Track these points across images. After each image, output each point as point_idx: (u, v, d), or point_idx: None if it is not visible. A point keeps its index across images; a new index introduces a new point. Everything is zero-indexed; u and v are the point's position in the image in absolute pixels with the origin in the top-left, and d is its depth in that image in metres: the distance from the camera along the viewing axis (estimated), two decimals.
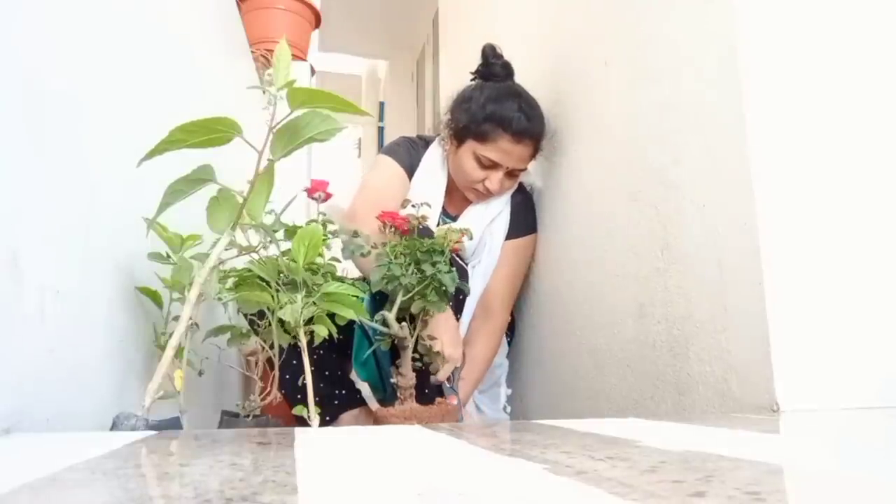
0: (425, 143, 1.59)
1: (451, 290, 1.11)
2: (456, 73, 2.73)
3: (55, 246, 0.72)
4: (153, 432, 0.69)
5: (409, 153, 1.55)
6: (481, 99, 1.43)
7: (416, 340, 1.15)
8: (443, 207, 1.54)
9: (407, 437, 0.63)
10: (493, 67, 1.51)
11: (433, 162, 1.54)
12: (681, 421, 0.76)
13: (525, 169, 1.47)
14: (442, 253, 1.12)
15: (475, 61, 1.56)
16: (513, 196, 1.54)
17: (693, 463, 0.43)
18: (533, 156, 1.46)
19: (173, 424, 0.80)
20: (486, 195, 1.48)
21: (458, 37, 2.76)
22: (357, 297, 0.95)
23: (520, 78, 1.51)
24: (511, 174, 1.45)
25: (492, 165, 1.43)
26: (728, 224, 0.90)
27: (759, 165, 0.86)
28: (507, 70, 1.52)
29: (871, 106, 0.91)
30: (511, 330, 1.64)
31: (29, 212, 0.67)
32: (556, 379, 1.44)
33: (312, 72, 2.91)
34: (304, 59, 2.63)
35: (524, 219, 1.54)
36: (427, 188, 1.50)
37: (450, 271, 1.10)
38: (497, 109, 1.40)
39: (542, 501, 0.33)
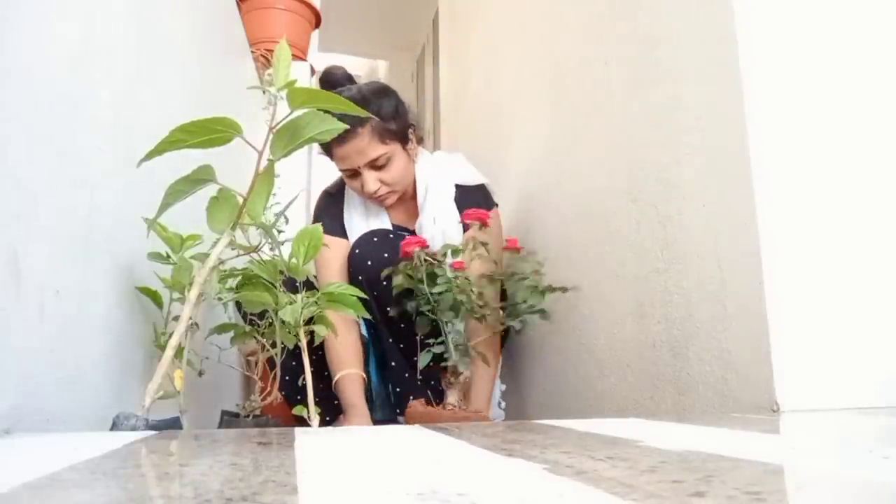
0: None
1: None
2: (456, 74, 2.73)
3: (55, 246, 0.72)
4: (153, 432, 0.69)
5: (331, 210, 1.55)
6: None
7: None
8: (392, 224, 1.54)
9: (407, 437, 0.63)
10: (332, 77, 1.51)
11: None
12: (681, 421, 0.76)
13: (383, 154, 1.40)
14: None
15: (475, 61, 1.56)
16: (456, 191, 1.52)
17: (693, 463, 0.43)
18: (382, 137, 1.40)
19: (173, 424, 0.81)
20: (380, 198, 1.46)
21: (458, 37, 2.76)
22: (357, 297, 0.95)
23: (519, 78, 1.50)
24: (376, 167, 1.41)
25: (353, 173, 1.43)
26: (728, 224, 0.90)
27: (759, 165, 0.86)
28: (347, 76, 1.53)
29: (871, 106, 0.91)
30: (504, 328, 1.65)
31: (29, 212, 0.67)
32: (556, 379, 1.44)
33: (312, 72, 2.91)
34: (304, 59, 2.63)
35: (471, 205, 1.50)
36: (366, 218, 1.52)
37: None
38: None
39: (542, 501, 0.33)
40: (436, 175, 1.51)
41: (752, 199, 0.85)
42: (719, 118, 0.92)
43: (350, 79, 1.54)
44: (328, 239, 1.53)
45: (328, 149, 1.43)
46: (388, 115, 1.42)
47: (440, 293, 1.10)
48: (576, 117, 1.41)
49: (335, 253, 1.43)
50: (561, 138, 1.49)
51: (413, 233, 1.52)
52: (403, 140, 1.45)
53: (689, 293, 0.99)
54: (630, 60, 1.18)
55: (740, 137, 0.87)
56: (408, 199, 1.52)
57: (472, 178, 1.54)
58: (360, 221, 1.52)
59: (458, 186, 1.51)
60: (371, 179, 1.41)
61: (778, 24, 0.90)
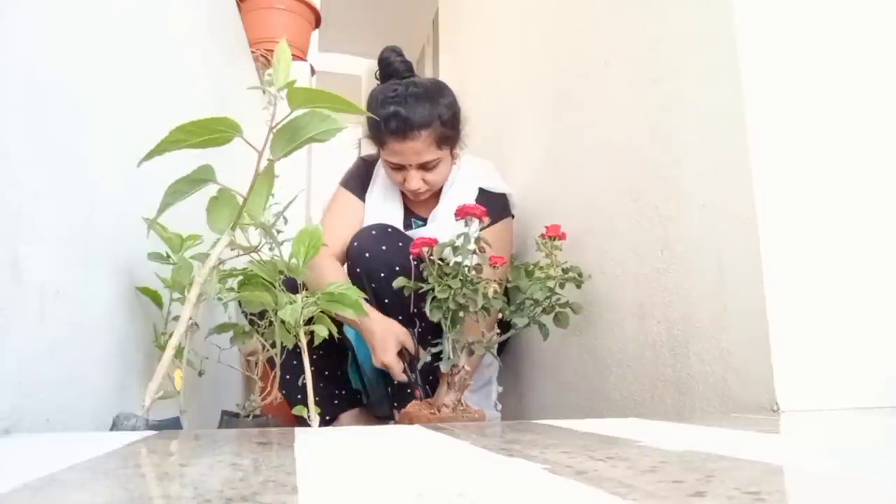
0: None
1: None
2: (456, 74, 2.73)
3: (55, 246, 0.72)
4: (153, 432, 0.69)
5: (362, 177, 1.57)
6: (370, 106, 1.42)
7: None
8: (409, 210, 1.54)
9: (407, 437, 0.63)
10: (391, 67, 1.47)
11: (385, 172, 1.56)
12: (681, 421, 0.76)
13: (436, 159, 1.41)
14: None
15: (475, 61, 1.55)
16: (479, 195, 1.51)
17: (693, 463, 0.43)
18: (439, 143, 1.40)
19: (173, 424, 0.81)
20: (418, 194, 1.46)
21: (458, 37, 2.76)
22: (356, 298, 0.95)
23: (519, 78, 1.50)
24: (426, 168, 1.42)
25: (399, 167, 1.42)
26: (728, 224, 0.90)
27: (759, 165, 0.86)
28: (407, 65, 1.48)
29: (870, 106, 0.91)
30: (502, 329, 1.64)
31: (29, 212, 0.66)
32: (556, 379, 1.44)
33: (312, 72, 2.91)
34: (304, 59, 2.63)
35: (489, 209, 1.50)
36: (384, 199, 1.53)
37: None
38: (378, 113, 1.37)
39: (542, 501, 0.33)
40: (463, 174, 1.52)
41: (752, 199, 0.85)
42: (719, 118, 0.92)
43: (410, 69, 1.49)
44: (347, 196, 1.55)
45: (380, 137, 1.39)
46: (449, 121, 1.42)
47: (459, 288, 1.10)
48: (576, 117, 1.41)
49: (348, 209, 1.51)
50: (561, 138, 1.48)
51: (424, 221, 1.52)
52: (453, 146, 1.46)
53: (689, 293, 0.99)
54: (630, 60, 1.18)
55: (740, 137, 0.87)
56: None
57: (496, 186, 1.54)
58: (377, 198, 1.54)
59: (481, 190, 1.51)
60: (416, 179, 1.42)
61: (778, 23, 0.90)
